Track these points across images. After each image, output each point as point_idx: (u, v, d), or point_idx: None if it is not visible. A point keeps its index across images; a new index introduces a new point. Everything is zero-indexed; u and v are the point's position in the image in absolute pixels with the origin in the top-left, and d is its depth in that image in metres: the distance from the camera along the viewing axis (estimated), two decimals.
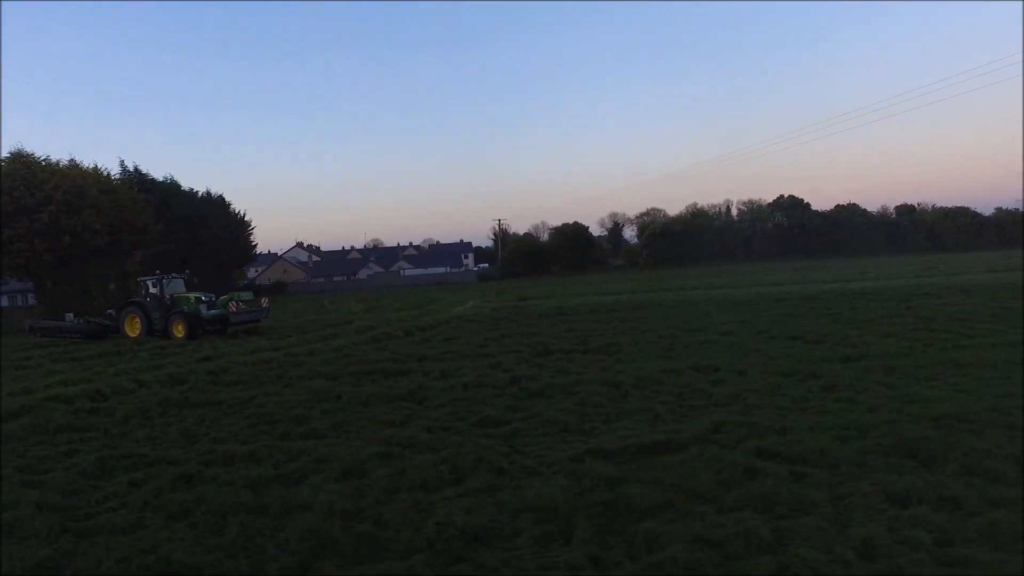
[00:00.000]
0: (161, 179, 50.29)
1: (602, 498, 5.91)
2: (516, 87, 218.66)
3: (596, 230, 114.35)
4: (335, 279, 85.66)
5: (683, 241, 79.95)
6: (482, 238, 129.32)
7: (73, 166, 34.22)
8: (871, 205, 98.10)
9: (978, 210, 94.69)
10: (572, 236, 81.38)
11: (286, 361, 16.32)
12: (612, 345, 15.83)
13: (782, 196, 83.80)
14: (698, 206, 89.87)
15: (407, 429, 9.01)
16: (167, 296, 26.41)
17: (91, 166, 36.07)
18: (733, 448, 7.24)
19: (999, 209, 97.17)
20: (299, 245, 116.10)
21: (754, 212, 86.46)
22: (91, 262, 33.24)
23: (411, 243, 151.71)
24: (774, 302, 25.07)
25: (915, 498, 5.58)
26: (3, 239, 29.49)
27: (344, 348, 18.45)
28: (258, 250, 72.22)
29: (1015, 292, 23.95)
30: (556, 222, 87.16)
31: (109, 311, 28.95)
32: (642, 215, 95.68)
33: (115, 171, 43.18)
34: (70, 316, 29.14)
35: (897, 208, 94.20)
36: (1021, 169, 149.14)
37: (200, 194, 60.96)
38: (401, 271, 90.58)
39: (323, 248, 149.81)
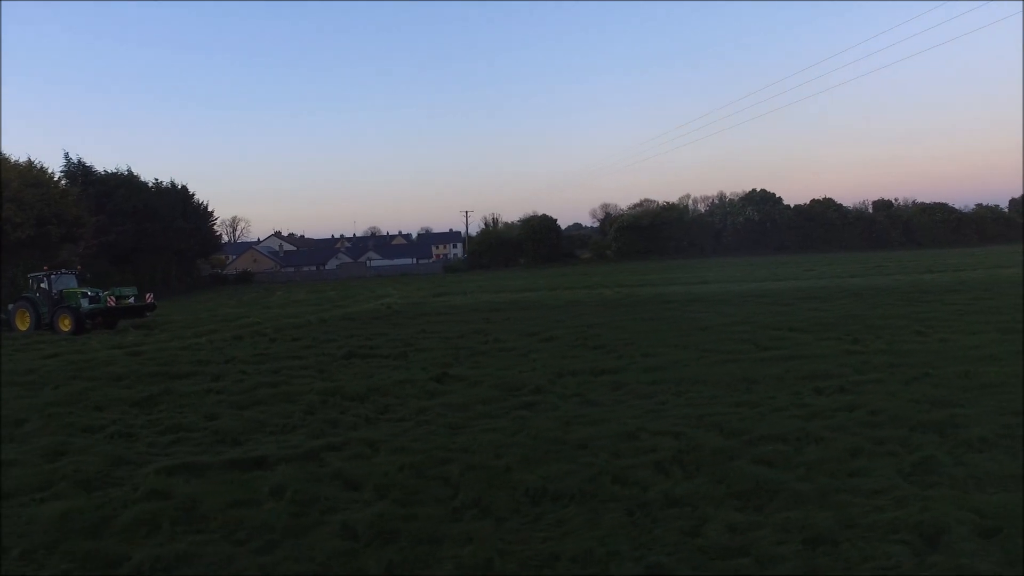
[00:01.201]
0: (112, 171, 50.72)
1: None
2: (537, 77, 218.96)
3: (588, 221, 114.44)
4: (304, 269, 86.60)
5: (651, 235, 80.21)
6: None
7: (8, 160, 34.88)
8: (854, 200, 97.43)
9: (956, 206, 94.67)
10: (539, 228, 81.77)
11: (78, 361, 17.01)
12: (413, 351, 16.33)
13: (754, 190, 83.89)
14: (677, 199, 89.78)
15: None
16: (55, 292, 26.93)
17: (23, 160, 36.78)
18: (322, 468, 7.68)
19: (979, 205, 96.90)
20: (276, 235, 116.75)
21: (725, 206, 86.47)
22: (18, 254, 33.94)
23: (400, 232, 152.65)
24: (629, 307, 25.45)
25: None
26: None
27: (171, 348, 19.06)
28: (243, 239, 72.87)
29: (892, 296, 24.42)
30: (552, 213, 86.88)
31: (9, 306, 29.07)
32: (635, 206, 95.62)
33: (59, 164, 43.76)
34: None
35: (874, 203, 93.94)
36: (1021, 164, 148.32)
37: (162, 185, 61.61)
38: (368, 262, 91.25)
39: (313, 237, 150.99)
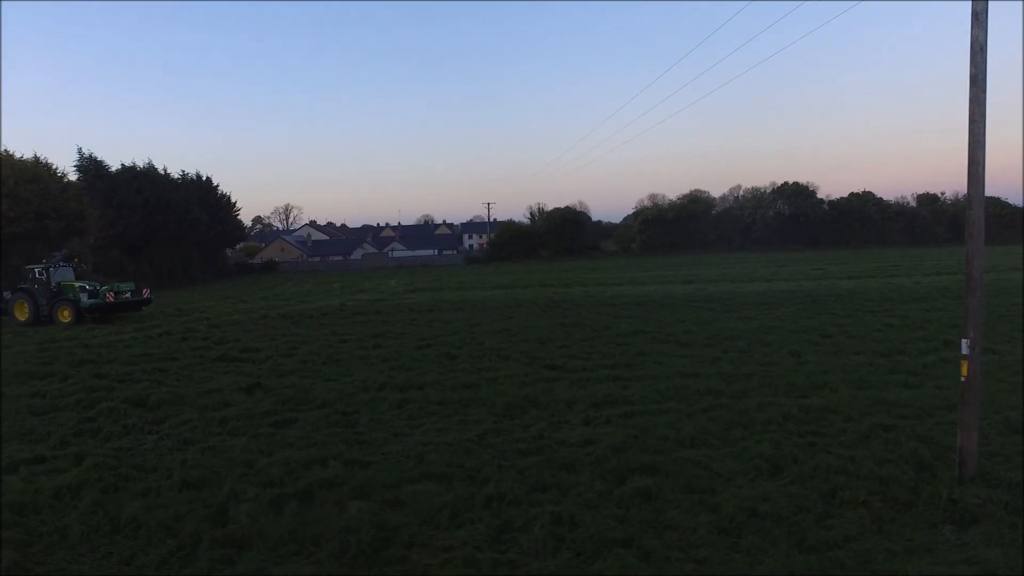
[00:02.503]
0: (128, 165, 52.60)
1: None
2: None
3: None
4: (331, 259, 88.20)
5: (677, 228, 78.33)
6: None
7: (12, 156, 36.66)
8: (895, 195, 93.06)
9: (1011, 200, 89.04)
10: (562, 221, 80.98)
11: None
12: (279, 356, 16.43)
13: (786, 183, 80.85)
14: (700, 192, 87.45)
15: None
16: (53, 284, 27.92)
17: (29, 156, 38.57)
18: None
19: None
20: (311, 224, 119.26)
21: (756, 199, 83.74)
22: (17, 246, 35.62)
23: (444, 221, 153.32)
24: (564, 309, 24.98)
25: None
26: None
27: (127, 340, 19.85)
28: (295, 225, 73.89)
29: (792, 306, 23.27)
30: (598, 204, 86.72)
31: (5, 294, 30.67)
32: (683, 197, 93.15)
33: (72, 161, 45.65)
34: None
35: (918, 197, 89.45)
36: None
37: (187, 178, 63.51)
38: (389, 253, 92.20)
39: (355, 225, 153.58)
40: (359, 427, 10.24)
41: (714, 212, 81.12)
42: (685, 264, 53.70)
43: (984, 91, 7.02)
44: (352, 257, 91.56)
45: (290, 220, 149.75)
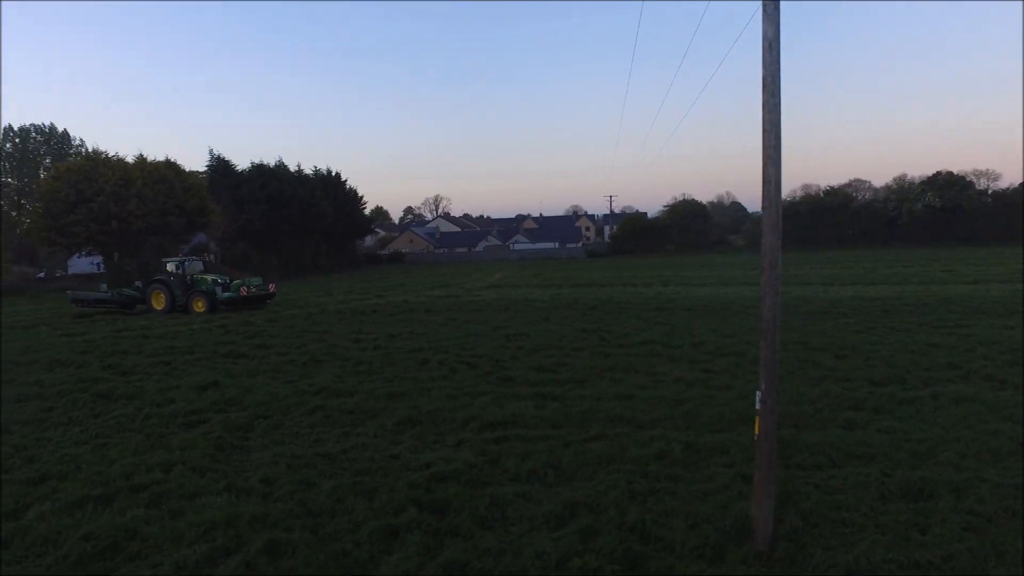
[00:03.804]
0: (258, 164, 57.61)
1: None
2: None
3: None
4: (456, 251, 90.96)
5: (812, 222, 72.58)
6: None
7: (140, 160, 41.53)
8: None
9: None
10: (684, 213, 77.87)
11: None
12: (292, 350, 17.24)
13: (938, 173, 72.33)
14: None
15: None
16: (187, 276, 30.58)
17: (163, 158, 43.49)
18: None
19: None
20: (444, 216, 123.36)
21: (901, 191, 75.68)
22: (147, 240, 40.18)
23: (585, 213, 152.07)
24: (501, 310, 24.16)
25: None
26: (67, 223, 37.24)
27: (175, 332, 21.78)
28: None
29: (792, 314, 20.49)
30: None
31: (136, 283, 34.26)
32: (844, 186, 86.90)
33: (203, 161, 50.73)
34: (103, 287, 33.42)
35: None
36: None
37: (315, 173, 68.29)
38: (511, 245, 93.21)
39: (495, 216, 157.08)
40: (252, 432, 10.58)
41: (853, 205, 74.31)
42: (809, 262, 49.90)
43: (778, 97, 5.94)
44: (476, 249, 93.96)
45: (439, 210, 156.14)
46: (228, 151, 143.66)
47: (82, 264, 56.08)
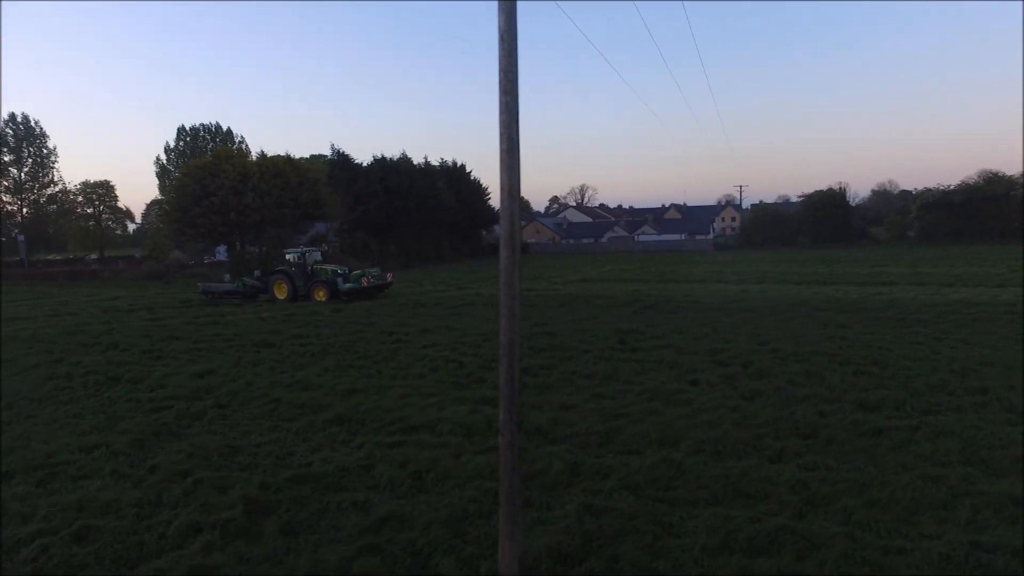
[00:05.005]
0: (379, 157, 60.70)
1: None
2: None
3: None
4: (583, 241, 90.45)
5: (967, 213, 64.49)
6: None
7: (266, 156, 45.28)
8: None
9: None
10: (821, 205, 72.00)
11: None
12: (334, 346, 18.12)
13: None
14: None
15: None
16: (308, 267, 31.74)
17: (282, 153, 47.06)
18: None
19: None
20: (576, 206, 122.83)
21: None
22: (266, 231, 43.73)
23: (729, 203, 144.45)
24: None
25: None
26: (192, 216, 41.44)
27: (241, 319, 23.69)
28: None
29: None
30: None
31: (256, 272, 35.58)
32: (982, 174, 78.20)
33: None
34: (227, 278, 35.73)
35: None
36: None
37: (441, 165, 70.76)
38: (636, 237, 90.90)
39: (638, 207, 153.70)
40: (199, 421, 11.27)
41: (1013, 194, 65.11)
42: (956, 257, 44.72)
43: (516, 98, 5.40)
44: (601, 240, 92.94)
45: (585, 199, 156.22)
46: (379, 148, 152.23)
47: (224, 253, 62.38)
